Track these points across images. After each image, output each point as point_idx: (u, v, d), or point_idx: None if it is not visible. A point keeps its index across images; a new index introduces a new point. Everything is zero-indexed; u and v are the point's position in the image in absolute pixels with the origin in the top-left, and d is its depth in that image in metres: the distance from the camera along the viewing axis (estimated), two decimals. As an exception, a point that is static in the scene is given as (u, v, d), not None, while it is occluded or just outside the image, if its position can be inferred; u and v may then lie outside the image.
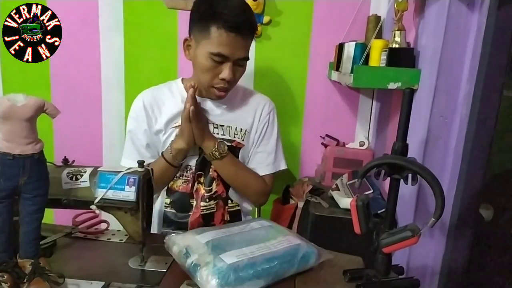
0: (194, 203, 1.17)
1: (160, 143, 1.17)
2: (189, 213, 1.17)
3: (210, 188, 1.17)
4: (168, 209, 1.19)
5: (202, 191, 1.17)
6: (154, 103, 1.17)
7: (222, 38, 1.02)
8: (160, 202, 1.20)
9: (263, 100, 1.26)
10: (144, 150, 1.18)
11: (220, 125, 1.18)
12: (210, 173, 1.17)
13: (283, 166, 1.27)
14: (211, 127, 1.17)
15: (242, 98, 1.24)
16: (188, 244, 0.80)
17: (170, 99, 1.19)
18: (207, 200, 1.17)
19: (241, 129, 1.20)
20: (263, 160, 1.23)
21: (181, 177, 1.17)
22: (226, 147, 1.13)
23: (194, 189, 1.17)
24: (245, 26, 1.05)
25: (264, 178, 1.23)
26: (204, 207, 1.16)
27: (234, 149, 1.18)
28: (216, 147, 1.11)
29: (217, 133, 1.17)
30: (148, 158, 1.17)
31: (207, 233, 0.85)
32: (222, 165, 1.15)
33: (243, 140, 1.20)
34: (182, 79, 1.24)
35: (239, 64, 1.09)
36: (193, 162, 1.16)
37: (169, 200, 1.18)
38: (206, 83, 1.10)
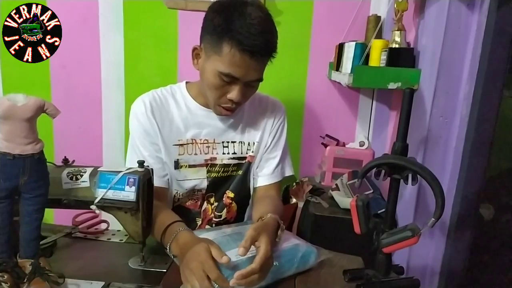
0: (199, 223, 1.10)
1: (163, 160, 1.04)
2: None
3: (220, 214, 1.10)
4: None
5: (211, 213, 1.10)
6: (156, 109, 1.04)
7: (234, 59, 0.89)
8: None
9: (275, 106, 1.16)
10: (160, 167, 1.03)
11: (232, 142, 1.09)
12: (224, 199, 1.10)
13: (289, 172, 1.19)
14: (220, 146, 1.08)
15: (252, 105, 1.13)
16: (188, 244, 0.80)
17: (174, 109, 1.06)
18: (214, 225, 1.09)
19: (254, 142, 1.11)
20: (272, 167, 1.14)
21: (189, 197, 1.09)
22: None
23: (203, 208, 1.09)
24: (262, 49, 0.90)
25: (275, 186, 1.15)
26: None
27: (249, 165, 1.12)
28: None
29: (228, 152, 1.09)
30: (161, 172, 1.03)
31: (207, 233, 0.85)
32: None
33: (252, 152, 1.12)
34: (187, 84, 1.11)
35: (251, 85, 0.98)
36: (202, 186, 1.07)
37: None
38: (212, 100, 0.99)
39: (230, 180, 1.11)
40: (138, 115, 1.04)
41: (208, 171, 1.07)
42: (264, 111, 1.14)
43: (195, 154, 1.06)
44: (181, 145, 1.05)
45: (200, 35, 0.98)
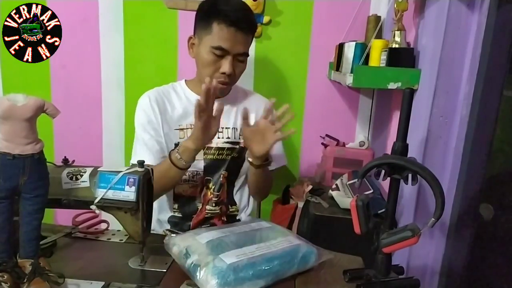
0: (200, 207, 1.19)
1: (164, 144, 1.16)
2: (193, 215, 1.19)
3: (218, 193, 1.20)
4: (176, 214, 1.20)
5: (210, 195, 1.19)
6: (160, 100, 1.17)
7: (222, 33, 1.07)
8: (168, 208, 1.21)
9: (262, 101, 1.28)
10: (158, 149, 1.15)
11: (226, 128, 1.20)
12: (221, 178, 1.19)
13: (283, 162, 1.33)
14: None
15: (243, 99, 1.27)
16: (188, 245, 0.81)
17: (175, 99, 1.20)
18: (214, 205, 1.19)
19: None
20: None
21: (188, 183, 1.19)
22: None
23: (202, 194, 1.19)
24: (245, 22, 1.09)
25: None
26: (210, 211, 1.19)
27: (242, 150, 1.21)
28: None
29: (222, 137, 1.20)
30: (160, 154, 1.14)
31: (207, 233, 0.85)
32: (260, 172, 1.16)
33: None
34: (186, 81, 1.25)
35: (239, 59, 1.13)
36: (199, 167, 1.18)
37: (177, 205, 1.20)
38: (207, 77, 1.09)
39: (225, 162, 1.21)
40: (143, 107, 1.17)
41: (204, 153, 1.18)
42: (253, 106, 1.23)
43: None
44: (181, 129, 1.17)
45: (194, 27, 1.16)
